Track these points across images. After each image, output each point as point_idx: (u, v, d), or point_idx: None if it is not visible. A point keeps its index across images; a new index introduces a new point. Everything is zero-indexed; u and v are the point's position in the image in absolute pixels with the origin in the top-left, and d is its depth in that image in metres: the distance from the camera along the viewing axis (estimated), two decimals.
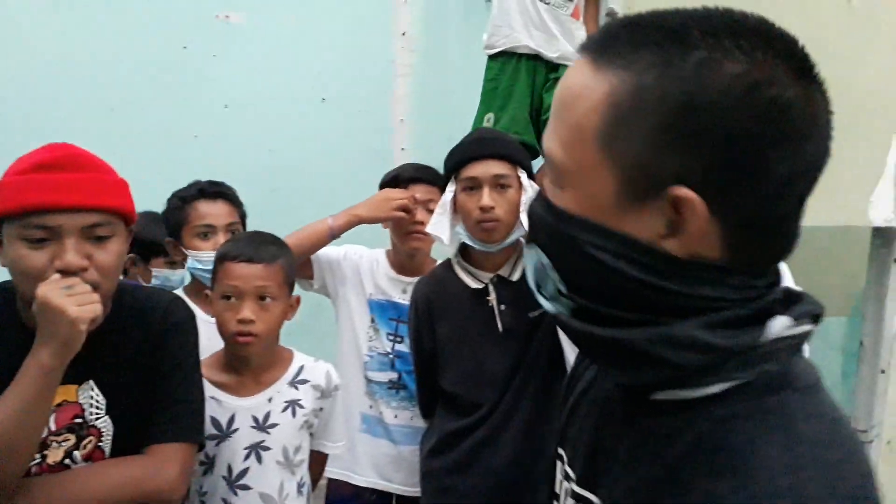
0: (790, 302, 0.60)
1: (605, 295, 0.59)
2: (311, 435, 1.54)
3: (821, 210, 2.88)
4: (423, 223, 1.82)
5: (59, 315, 1.00)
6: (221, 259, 1.44)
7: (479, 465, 1.60)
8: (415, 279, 1.86)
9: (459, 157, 1.64)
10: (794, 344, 0.58)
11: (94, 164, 1.15)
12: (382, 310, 1.94)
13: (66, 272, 1.05)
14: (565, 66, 2.28)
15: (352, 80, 2.99)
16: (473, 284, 1.66)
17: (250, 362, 1.46)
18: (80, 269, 1.06)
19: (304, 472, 1.51)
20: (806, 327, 0.59)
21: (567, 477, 0.74)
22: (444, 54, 3.14)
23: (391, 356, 1.92)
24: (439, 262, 1.95)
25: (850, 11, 2.78)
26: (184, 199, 1.79)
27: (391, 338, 1.93)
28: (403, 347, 1.90)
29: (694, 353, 0.55)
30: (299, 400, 1.49)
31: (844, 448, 0.54)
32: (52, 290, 1.02)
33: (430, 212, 1.81)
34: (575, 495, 0.71)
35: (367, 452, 1.92)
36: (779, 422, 0.54)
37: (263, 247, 1.45)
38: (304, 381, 1.51)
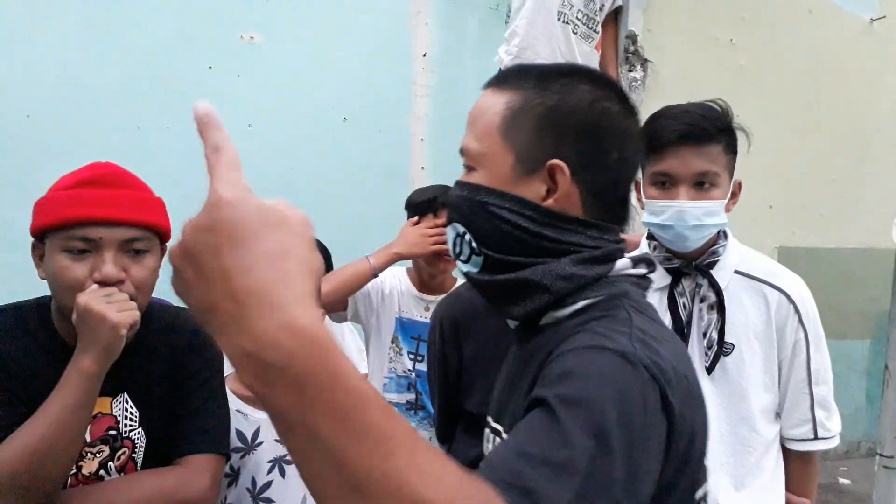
0: (635, 258, 0.87)
1: (505, 244, 0.83)
2: None
3: (842, 232, 2.88)
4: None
5: (101, 321, 1.03)
6: None
7: None
8: (437, 297, 1.87)
9: None
10: (636, 282, 0.85)
11: (133, 183, 1.18)
12: (405, 328, 1.96)
13: (104, 283, 1.08)
14: None
15: (372, 100, 3.03)
16: None
17: None
18: (118, 280, 1.09)
19: None
20: (642, 270, 0.86)
21: (487, 424, 0.96)
22: (462, 75, 3.18)
23: (412, 375, 1.92)
24: (459, 279, 1.97)
25: (872, 33, 2.80)
26: None
27: (412, 356, 1.94)
28: (424, 367, 1.90)
29: (566, 282, 0.81)
30: None
31: (661, 335, 0.77)
32: (92, 298, 1.05)
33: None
34: (493, 430, 0.93)
35: None
36: (616, 314, 0.78)
37: None
38: None
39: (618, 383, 0.67)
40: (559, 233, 0.82)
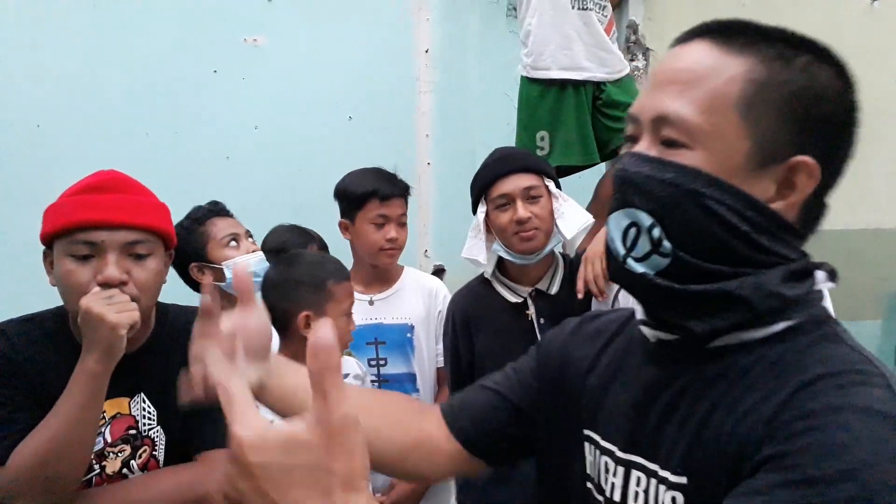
0: (818, 264, 0.75)
1: (708, 249, 0.69)
2: None
3: (849, 212, 2.89)
4: (396, 239, 1.85)
5: (100, 322, 1.07)
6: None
7: (517, 476, 1.61)
8: (385, 292, 1.89)
9: (487, 178, 1.66)
10: (821, 296, 0.74)
11: (135, 188, 1.22)
12: (355, 341, 1.88)
13: (106, 285, 1.12)
14: (615, 82, 2.24)
15: (377, 98, 3.05)
16: (512, 298, 1.68)
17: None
18: (120, 282, 1.13)
19: None
20: (830, 284, 0.75)
21: (605, 451, 0.81)
22: (465, 70, 3.19)
23: (377, 384, 1.87)
24: (406, 268, 1.97)
25: (872, 13, 2.78)
26: (198, 220, 1.80)
27: (373, 363, 1.88)
28: (389, 370, 1.87)
29: (773, 300, 0.68)
30: None
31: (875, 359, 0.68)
32: (93, 300, 1.09)
33: (402, 226, 1.85)
34: (622, 461, 0.78)
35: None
36: (837, 339, 0.69)
37: None
38: (344, 376, 1.57)
39: None
40: (773, 242, 0.69)
